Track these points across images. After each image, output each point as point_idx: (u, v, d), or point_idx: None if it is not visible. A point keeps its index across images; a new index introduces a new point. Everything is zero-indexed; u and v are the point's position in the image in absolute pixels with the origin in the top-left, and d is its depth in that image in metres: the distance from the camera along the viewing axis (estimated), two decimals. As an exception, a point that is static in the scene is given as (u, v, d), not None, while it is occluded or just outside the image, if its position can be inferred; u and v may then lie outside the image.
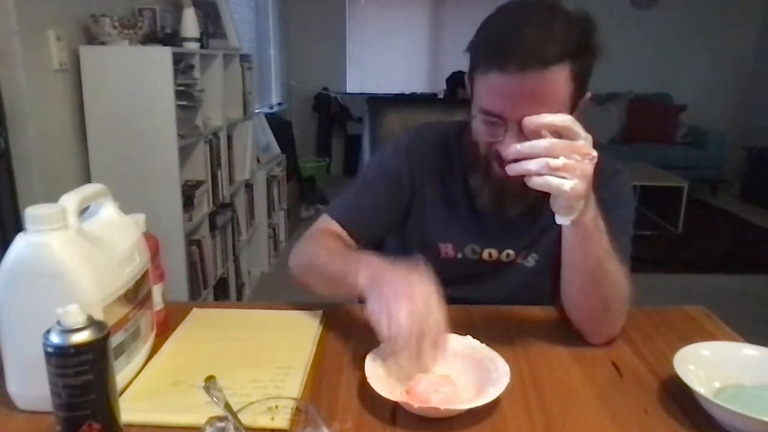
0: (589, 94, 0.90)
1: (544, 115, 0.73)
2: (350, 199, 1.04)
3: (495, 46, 0.82)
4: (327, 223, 1.01)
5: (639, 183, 4.06)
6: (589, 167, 0.73)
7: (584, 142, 0.73)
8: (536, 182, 0.72)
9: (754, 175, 5.15)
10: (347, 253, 0.90)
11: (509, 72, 0.79)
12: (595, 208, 0.80)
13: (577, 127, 0.73)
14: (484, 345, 0.78)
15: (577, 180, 0.71)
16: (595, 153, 0.74)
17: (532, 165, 0.71)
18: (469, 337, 0.80)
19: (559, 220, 0.78)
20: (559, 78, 0.80)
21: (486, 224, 1.01)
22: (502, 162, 0.86)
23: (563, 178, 0.71)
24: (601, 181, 0.97)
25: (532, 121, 0.73)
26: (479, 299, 1.00)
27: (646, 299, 0.92)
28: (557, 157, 0.70)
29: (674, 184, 4.13)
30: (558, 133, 0.73)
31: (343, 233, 0.99)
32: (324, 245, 0.94)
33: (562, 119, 0.73)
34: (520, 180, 0.82)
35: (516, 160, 0.73)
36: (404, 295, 0.72)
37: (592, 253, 0.82)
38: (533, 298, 1.00)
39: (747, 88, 5.67)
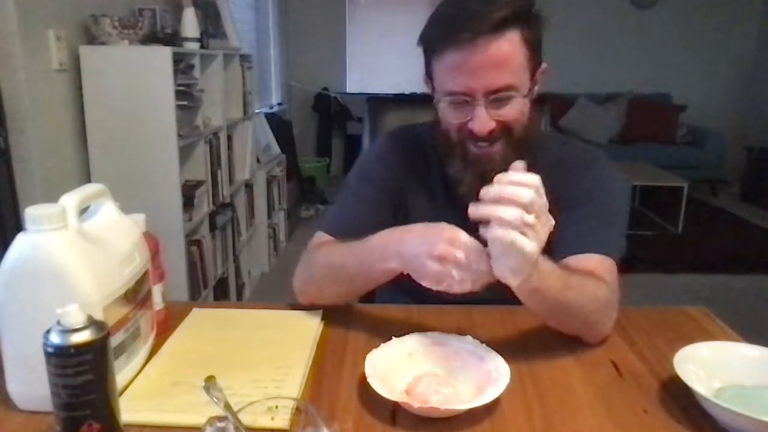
0: (544, 65, 0.92)
1: (514, 173, 0.68)
2: (340, 211, 1.04)
3: (444, 25, 0.85)
4: (322, 238, 1.00)
5: (639, 183, 4.07)
6: (546, 235, 0.70)
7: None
8: (498, 234, 0.67)
9: (754, 175, 5.15)
10: (357, 243, 0.88)
11: (463, 43, 0.82)
12: (541, 262, 0.74)
13: (542, 191, 0.69)
14: (484, 345, 0.78)
15: (536, 243, 0.67)
16: (552, 221, 0.70)
17: (507, 214, 0.66)
18: (468, 337, 0.80)
19: (503, 278, 0.72)
20: (512, 42, 0.83)
21: (469, 220, 1.01)
22: (477, 139, 0.88)
23: (527, 237, 0.66)
24: (580, 171, 0.98)
25: (501, 179, 0.68)
26: (470, 300, 0.99)
27: (646, 299, 0.93)
28: (530, 214, 0.66)
29: (674, 184, 4.13)
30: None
31: None
32: (330, 251, 0.94)
33: (533, 180, 0.68)
34: (500, 159, 0.87)
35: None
36: (424, 247, 0.75)
37: (544, 300, 0.79)
38: None
39: (747, 88, 5.67)
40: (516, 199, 0.66)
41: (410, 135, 1.07)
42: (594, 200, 0.95)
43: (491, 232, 0.68)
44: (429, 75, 0.93)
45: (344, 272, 0.90)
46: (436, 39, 0.87)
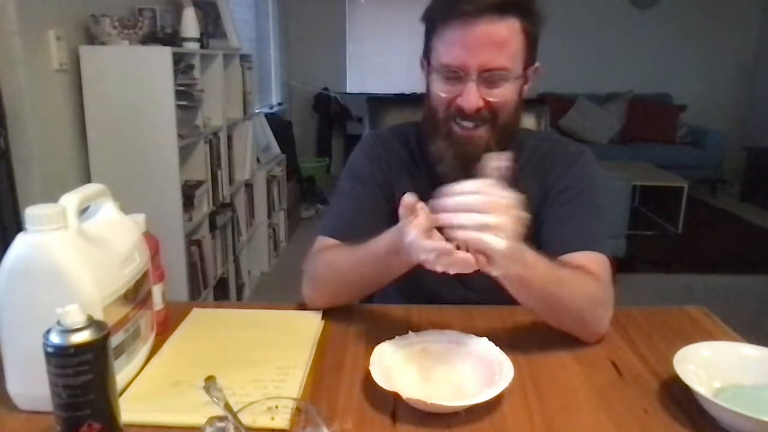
0: (538, 64, 0.93)
1: (463, 185, 0.69)
2: (336, 214, 1.04)
3: (449, 2, 0.87)
4: (323, 242, 1.00)
5: (639, 183, 4.07)
6: (517, 230, 0.70)
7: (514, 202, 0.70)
8: (469, 236, 0.68)
9: (754, 175, 5.14)
10: (363, 246, 0.87)
11: (465, 17, 0.84)
12: (524, 255, 0.75)
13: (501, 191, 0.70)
14: (498, 349, 0.78)
15: (504, 241, 0.69)
16: (524, 214, 0.71)
17: (467, 220, 0.68)
18: (485, 339, 0.80)
19: (484, 270, 0.73)
20: (512, 28, 0.86)
21: None
22: (464, 117, 0.90)
23: (497, 236, 0.68)
24: (564, 166, 0.99)
25: (451, 191, 0.70)
26: (470, 300, 0.99)
27: (646, 299, 0.93)
28: (490, 214, 0.68)
29: (674, 184, 4.12)
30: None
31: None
32: (335, 257, 0.94)
33: (483, 186, 0.69)
34: (483, 143, 0.88)
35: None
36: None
37: (534, 291, 0.80)
38: None
39: (747, 88, 5.66)
40: (470, 208, 0.69)
41: (396, 134, 1.08)
42: (581, 196, 0.96)
43: (461, 236, 0.69)
44: (426, 53, 0.94)
45: (357, 275, 0.90)
46: (439, 12, 0.89)
